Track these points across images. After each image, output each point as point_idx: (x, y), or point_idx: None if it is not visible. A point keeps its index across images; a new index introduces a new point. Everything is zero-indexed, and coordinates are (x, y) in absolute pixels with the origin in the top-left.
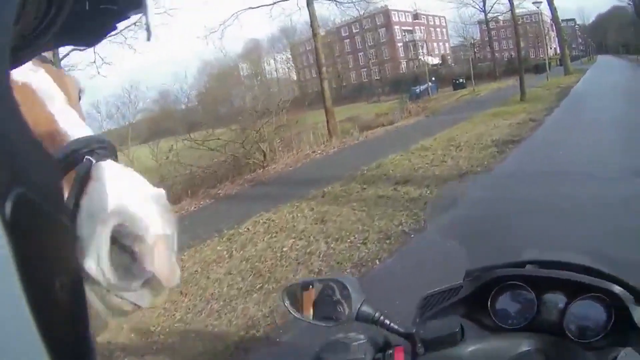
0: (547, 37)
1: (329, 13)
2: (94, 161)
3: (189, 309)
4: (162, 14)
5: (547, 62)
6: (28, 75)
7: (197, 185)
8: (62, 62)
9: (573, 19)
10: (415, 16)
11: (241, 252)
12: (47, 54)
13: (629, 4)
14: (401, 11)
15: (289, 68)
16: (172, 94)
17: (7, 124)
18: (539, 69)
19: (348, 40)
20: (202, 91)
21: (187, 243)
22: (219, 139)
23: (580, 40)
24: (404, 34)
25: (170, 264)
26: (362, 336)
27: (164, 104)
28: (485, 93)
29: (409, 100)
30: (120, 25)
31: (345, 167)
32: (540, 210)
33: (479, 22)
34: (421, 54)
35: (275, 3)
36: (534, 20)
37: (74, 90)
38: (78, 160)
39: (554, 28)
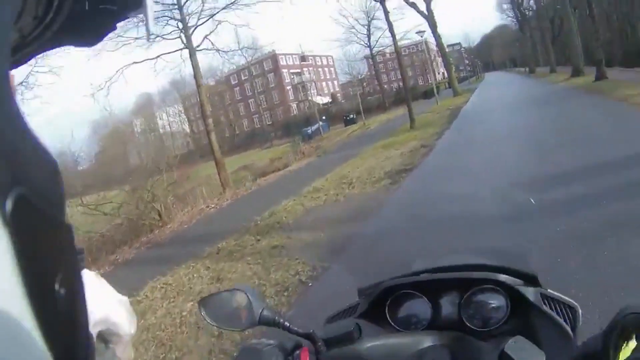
0: (434, 63)
1: (218, 62)
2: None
3: None
4: (46, 73)
5: (435, 87)
6: None
7: (96, 252)
8: None
9: (459, 43)
10: (303, 58)
11: (142, 321)
12: None
13: (513, 21)
14: (288, 54)
15: (181, 121)
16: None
17: (7, 124)
18: (428, 94)
19: (238, 87)
20: (94, 152)
21: None
22: (111, 202)
23: (467, 61)
24: (292, 76)
25: (130, 353)
26: (272, 341)
27: None
28: (375, 126)
29: (301, 141)
30: None
31: (238, 219)
32: (435, 231)
33: (366, 57)
34: (311, 94)
35: (158, 56)
36: (419, 49)
37: None
38: None
39: (440, 54)
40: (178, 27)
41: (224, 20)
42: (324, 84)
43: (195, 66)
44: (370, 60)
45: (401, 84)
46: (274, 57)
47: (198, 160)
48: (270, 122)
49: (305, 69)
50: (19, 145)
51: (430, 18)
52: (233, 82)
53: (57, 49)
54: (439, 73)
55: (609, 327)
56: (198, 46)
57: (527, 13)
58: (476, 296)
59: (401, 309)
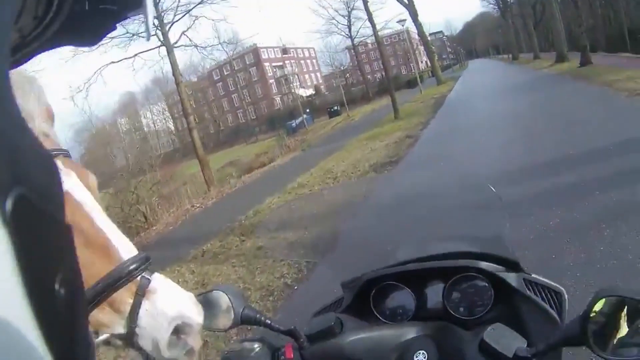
0: (416, 52)
1: (199, 58)
2: (150, 279)
3: None
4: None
5: (418, 76)
6: (66, 181)
7: None
8: None
9: (441, 31)
10: (284, 51)
11: (123, 349)
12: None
13: (494, 8)
14: (270, 47)
15: (165, 119)
16: None
17: (7, 124)
18: (411, 83)
19: (221, 83)
20: (78, 154)
21: None
22: None
23: (449, 49)
24: (274, 70)
25: (199, 340)
26: (256, 343)
27: None
28: (359, 117)
29: (286, 135)
30: None
31: (223, 219)
32: (421, 221)
33: (347, 48)
34: (294, 87)
35: (136, 55)
36: (401, 38)
37: (96, 191)
38: (136, 276)
39: (422, 43)
40: (154, 24)
41: (201, 16)
42: (306, 76)
43: (173, 63)
44: (352, 51)
45: (384, 74)
46: (255, 51)
47: (183, 158)
48: (254, 117)
49: (287, 62)
50: (19, 145)
51: (410, 7)
52: (215, 78)
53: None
54: (421, 62)
55: (586, 311)
56: (175, 43)
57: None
58: (459, 284)
59: (385, 301)
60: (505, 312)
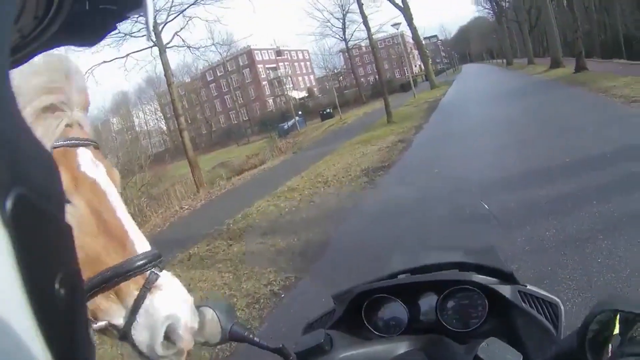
0: (410, 56)
1: (193, 59)
2: (158, 275)
3: None
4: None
5: (411, 80)
6: (93, 169)
7: None
8: None
9: (435, 35)
10: (278, 53)
11: (115, 339)
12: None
13: (489, 13)
14: (263, 49)
15: (157, 119)
16: None
17: (7, 123)
18: (405, 87)
19: (214, 84)
20: None
21: None
22: None
23: (443, 53)
24: (268, 71)
25: (190, 342)
26: None
27: None
28: (352, 120)
29: (278, 137)
30: None
31: (211, 222)
32: (414, 230)
33: (341, 51)
34: (287, 89)
35: (128, 55)
36: (395, 42)
37: (119, 185)
38: (146, 270)
39: (417, 46)
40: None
41: (195, 16)
42: (300, 78)
43: (165, 64)
44: (346, 54)
45: (377, 77)
46: (249, 53)
47: (174, 158)
48: (246, 118)
49: (281, 64)
50: (19, 145)
51: (405, 10)
52: (209, 79)
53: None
54: (415, 66)
55: (583, 325)
56: (168, 43)
57: (503, 4)
58: (453, 297)
59: (378, 314)
60: (500, 324)
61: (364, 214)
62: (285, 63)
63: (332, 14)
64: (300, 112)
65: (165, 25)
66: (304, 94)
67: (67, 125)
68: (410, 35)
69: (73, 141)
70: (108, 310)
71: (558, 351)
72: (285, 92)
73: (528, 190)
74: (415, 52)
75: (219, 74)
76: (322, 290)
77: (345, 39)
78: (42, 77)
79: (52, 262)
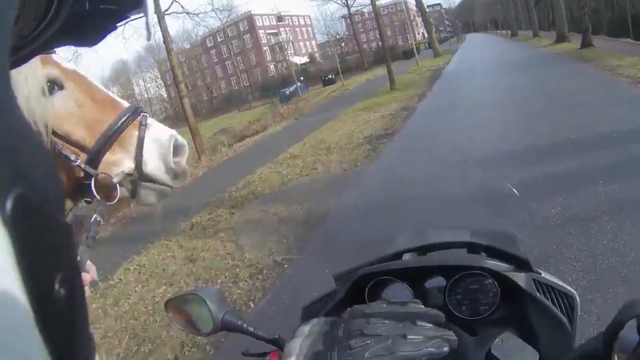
0: (413, 23)
1: (192, 25)
2: (146, 115)
3: None
4: None
5: (414, 47)
6: (67, 64)
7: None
8: None
9: (439, 4)
10: (279, 18)
11: (115, 308)
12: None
13: None
14: (264, 15)
15: (158, 86)
16: None
17: (7, 123)
18: (408, 54)
19: (214, 50)
20: None
21: None
22: None
23: (447, 22)
24: (269, 37)
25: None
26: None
27: None
28: (354, 86)
29: (279, 103)
30: None
31: (213, 190)
32: (420, 200)
33: (344, 17)
34: (288, 55)
35: (125, 22)
36: (399, 9)
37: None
38: (138, 115)
39: (420, 14)
40: None
41: None
42: (301, 44)
43: (164, 30)
44: (348, 19)
45: (380, 43)
46: (249, 18)
47: (174, 125)
48: (248, 84)
49: (282, 29)
50: (19, 145)
51: None
52: (209, 45)
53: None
54: (418, 33)
55: (611, 329)
56: (167, 10)
57: None
58: (463, 282)
59: (381, 295)
60: (512, 313)
61: (367, 183)
62: (287, 28)
63: None
64: (302, 78)
65: None
66: (305, 59)
67: None
68: (414, 2)
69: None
70: (119, 160)
71: (580, 353)
72: (287, 58)
73: (533, 165)
74: (419, 19)
75: (219, 40)
76: (324, 264)
77: (347, 5)
78: None
79: (52, 262)
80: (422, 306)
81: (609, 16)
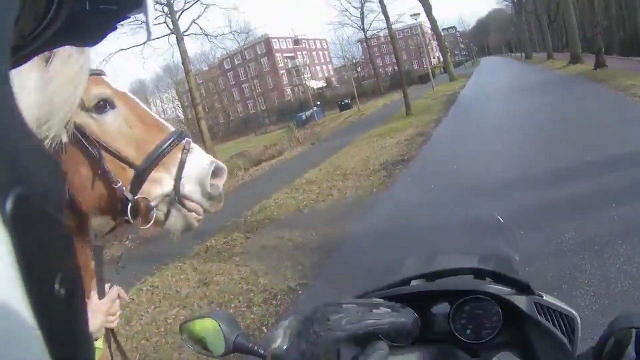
0: (429, 47)
1: (210, 47)
2: (190, 140)
3: None
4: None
5: (430, 71)
6: (120, 87)
7: None
8: None
9: (453, 27)
10: (296, 42)
11: (127, 327)
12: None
13: (508, 5)
14: (282, 38)
15: (175, 107)
16: None
17: (7, 123)
18: (423, 79)
19: (231, 72)
20: None
21: None
22: None
23: (462, 45)
24: (286, 60)
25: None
26: None
27: None
28: (370, 111)
29: (296, 127)
30: None
31: (228, 213)
32: (432, 228)
33: (360, 41)
34: (305, 78)
35: (145, 43)
36: (414, 32)
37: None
38: (183, 139)
39: (435, 38)
40: (163, 11)
41: (212, 4)
42: (318, 67)
43: (182, 52)
44: (364, 43)
45: (396, 67)
46: (267, 41)
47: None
48: (264, 107)
49: (299, 53)
50: (19, 145)
51: (424, 1)
52: (226, 67)
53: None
54: (434, 57)
55: (600, 341)
56: (185, 31)
57: None
58: (466, 306)
59: None
60: (514, 336)
61: (383, 211)
62: (304, 52)
63: (350, 3)
64: (318, 102)
65: (182, 12)
66: (322, 83)
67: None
68: (429, 26)
69: (97, 70)
70: (160, 180)
71: None
72: (303, 82)
73: (547, 189)
74: (434, 43)
75: (236, 63)
76: (338, 290)
77: (363, 29)
78: None
79: (52, 262)
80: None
81: (621, 35)
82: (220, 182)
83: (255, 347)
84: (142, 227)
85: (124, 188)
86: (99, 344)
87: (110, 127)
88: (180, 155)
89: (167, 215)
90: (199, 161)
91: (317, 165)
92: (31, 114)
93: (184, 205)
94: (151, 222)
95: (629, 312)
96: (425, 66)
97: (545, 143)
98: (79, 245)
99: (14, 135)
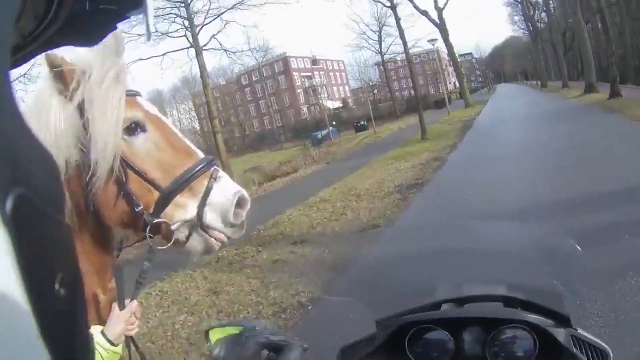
0: (445, 72)
1: (229, 62)
2: (218, 169)
3: None
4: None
5: (446, 96)
6: (152, 108)
7: None
8: None
9: (470, 53)
10: (314, 61)
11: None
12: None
13: (524, 33)
14: (299, 57)
15: (191, 118)
16: None
17: (7, 124)
18: (439, 104)
19: (249, 88)
20: None
21: None
22: None
23: (478, 72)
24: (303, 79)
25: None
26: None
27: None
28: (386, 134)
29: (311, 146)
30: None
31: None
32: (451, 252)
33: (377, 64)
34: (322, 98)
35: (164, 54)
36: (431, 57)
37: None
38: (211, 167)
39: (452, 63)
40: (184, 25)
41: (232, 21)
42: (334, 88)
43: (201, 65)
44: (381, 67)
45: (412, 92)
46: (285, 60)
47: None
48: (280, 124)
49: (316, 73)
50: (19, 145)
51: (442, 27)
52: (244, 83)
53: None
54: (450, 82)
55: None
56: (205, 45)
57: (538, 25)
58: (503, 334)
59: (421, 342)
60: None
61: (395, 235)
62: (321, 72)
63: (368, 26)
64: (334, 122)
65: (202, 27)
66: (338, 104)
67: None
68: (446, 51)
69: (132, 91)
70: (184, 205)
71: None
72: (320, 101)
73: (560, 218)
74: (450, 68)
75: (254, 79)
76: (348, 308)
77: (381, 52)
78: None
79: (52, 262)
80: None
81: (635, 63)
82: (244, 212)
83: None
84: (160, 248)
85: (144, 212)
86: (119, 349)
87: (140, 149)
88: (206, 183)
89: (188, 237)
90: (224, 191)
91: (332, 185)
92: None
93: (205, 232)
94: (170, 244)
95: None
96: (441, 91)
97: (559, 172)
98: (101, 254)
99: (14, 135)
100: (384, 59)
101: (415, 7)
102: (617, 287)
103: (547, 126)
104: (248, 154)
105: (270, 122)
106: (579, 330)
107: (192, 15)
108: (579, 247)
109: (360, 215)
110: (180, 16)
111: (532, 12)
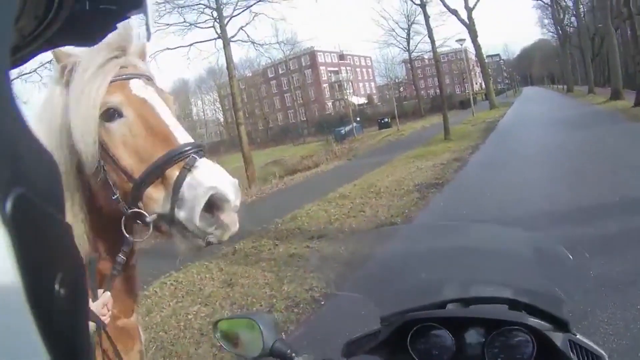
0: (472, 73)
1: (256, 54)
2: (197, 158)
3: None
4: None
5: (472, 97)
6: (143, 91)
7: None
8: None
9: (498, 54)
10: (341, 57)
11: (146, 318)
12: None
13: (553, 36)
14: (327, 52)
15: (216, 109)
16: None
17: (7, 124)
18: (464, 104)
19: (274, 81)
20: None
21: None
22: None
23: (505, 74)
24: (329, 74)
25: (234, 219)
26: None
27: None
28: (409, 132)
29: (334, 141)
30: (35, 63)
31: (259, 219)
32: (464, 255)
33: (404, 61)
34: (347, 94)
35: (192, 44)
36: (458, 57)
37: (171, 104)
38: (187, 156)
39: (479, 64)
40: (212, 15)
41: (261, 13)
42: (360, 84)
43: (228, 57)
44: (408, 64)
45: (438, 90)
46: (312, 54)
47: (228, 150)
48: (304, 118)
49: (342, 68)
50: (19, 145)
51: (470, 27)
52: (270, 75)
53: None
54: (476, 83)
55: None
56: (233, 37)
57: (568, 30)
58: (503, 336)
59: (423, 341)
60: None
61: (411, 235)
62: (347, 68)
63: (397, 24)
64: (358, 119)
65: (230, 19)
66: (363, 100)
67: (122, 67)
68: (474, 52)
69: (125, 75)
70: (158, 199)
71: None
72: (345, 97)
73: (577, 225)
74: (477, 69)
75: (280, 72)
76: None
77: (409, 50)
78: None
79: (52, 262)
80: None
81: None
82: (226, 215)
83: (293, 355)
84: (136, 240)
85: (120, 201)
86: None
87: (115, 135)
88: (177, 174)
89: (169, 233)
90: (195, 185)
91: (352, 181)
92: None
93: (184, 229)
94: (145, 238)
95: None
96: (467, 92)
97: (578, 179)
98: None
99: (14, 135)
100: (412, 56)
101: (446, 5)
102: (630, 296)
103: (570, 132)
104: (271, 147)
105: (294, 115)
106: (578, 336)
107: (222, 7)
108: (570, 256)
109: (379, 212)
110: (210, 7)
111: (562, 16)
